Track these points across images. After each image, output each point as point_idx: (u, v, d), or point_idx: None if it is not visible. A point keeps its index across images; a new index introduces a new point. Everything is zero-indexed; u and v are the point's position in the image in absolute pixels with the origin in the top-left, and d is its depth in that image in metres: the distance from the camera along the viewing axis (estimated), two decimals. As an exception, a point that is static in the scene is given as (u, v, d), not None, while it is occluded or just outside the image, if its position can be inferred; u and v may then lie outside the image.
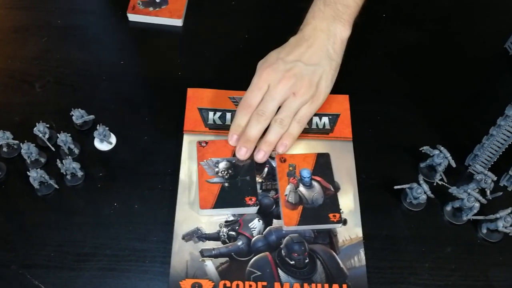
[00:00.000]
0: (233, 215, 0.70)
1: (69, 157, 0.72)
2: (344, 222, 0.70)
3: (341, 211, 0.70)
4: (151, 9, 0.89)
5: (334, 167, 0.74)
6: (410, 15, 0.93)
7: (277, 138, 0.73)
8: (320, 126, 0.78)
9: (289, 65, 0.73)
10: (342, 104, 0.80)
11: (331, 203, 0.71)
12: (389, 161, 0.76)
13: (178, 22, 0.89)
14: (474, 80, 0.86)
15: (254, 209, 0.70)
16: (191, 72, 0.84)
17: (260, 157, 0.72)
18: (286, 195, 0.71)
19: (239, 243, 0.68)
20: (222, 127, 0.77)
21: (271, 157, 0.75)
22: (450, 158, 0.72)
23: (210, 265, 0.66)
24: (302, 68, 0.73)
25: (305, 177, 0.72)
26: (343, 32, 0.76)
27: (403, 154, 0.77)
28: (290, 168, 0.73)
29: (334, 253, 0.68)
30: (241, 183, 0.71)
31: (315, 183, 0.72)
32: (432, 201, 0.72)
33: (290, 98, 0.72)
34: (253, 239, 0.68)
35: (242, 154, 0.72)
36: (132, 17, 0.89)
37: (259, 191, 0.72)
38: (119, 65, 0.85)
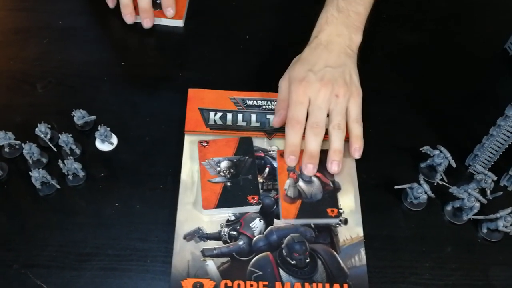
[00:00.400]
0: (235, 215, 0.70)
1: (71, 157, 0.72)
2: (345, 221, 0.70)
3: (340, 209, 0.71)
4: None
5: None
6: (411, 16, 0.94)
7: (341, 143, 0.73)
8: (321, 126, 0.78)
9: (320, 73, 0.74)
10: (343, 105, 0.80)
11: (329, 198, 0.71)
12: (389, 161, 0.76)
13: (179, 23, 0.89)
14: (474, 80, 0.86)
15: (256, 208, 0.70)
16: (192, 73, 0.84)
17: (335, 168, 0.72)
18: (285, 189, 0.72)
19: (240, 242, 0.68)
20: (223, 127, 0.77)
21: (271, 157, 0.75)
22: (450, 158, 0.72)
23: (211, 264, 0.66)
24: (333, 72, 0.74)
25: None
26: (357, 37, 0.78)
27: (403, 154, 0.77)
28: None
29: (335, 253, 0.68)
30: (243, 182, 0.71)
31: (314, 179, 0.73)
32: (433, 201, 0.72)
33: (334, 102, 0.73)
34: (254, 238, 0.69)
35: (310, 171, 0.72)
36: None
37: (260, 190, 0.72)
38: (120, 66, 0.85)
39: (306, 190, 0.71)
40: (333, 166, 0.72)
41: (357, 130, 0.74)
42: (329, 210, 0.70)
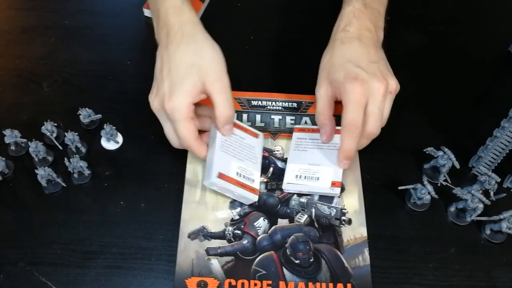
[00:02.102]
0: (239, 214, 0.70)
1: (76, 155, 0.73)
2: (349, 221, 0.70)
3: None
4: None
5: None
6: (415, 18, 0.94)
7: None
8: (325, 127, 0.78)
9: (370, 69, 0.69)
10: (347, 105, 0.80)
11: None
12: (393, 162, 0.76)
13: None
14: (479, 82, 0.86)
15: (255, 197, 0.71)
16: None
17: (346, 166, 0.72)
18: None
19: (245, 242, 0.69)
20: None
21: (275, 157, 0.76)
22: (454, 159, 0.72)
23: (215, 263, 0.67)
24: (379, 66, 0.70)
25: None
26: (381, 35, 0.75)
27: (407, 155, 0.77)
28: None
29: (338, 253, 0.68)
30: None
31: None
32: (436, 202, 0.72)
33: (389, 98, 0.70)
34: (258, 238, 0.69)
35: (347, 166, 0.72)
36: (147, 12, 0.90)
37: (264, 190, 0.73)
38: (126, 65, 0.86)
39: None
40: (346, 165, 0.71)
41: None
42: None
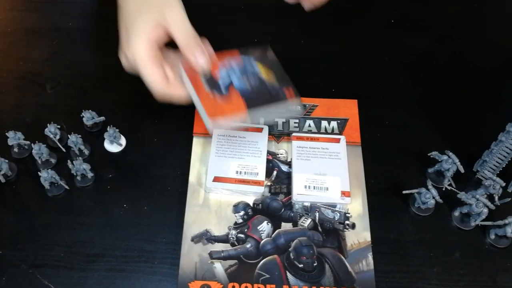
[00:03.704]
0: (242, 218, 0.70)
1: (80, 158, 0.72)
2: (353, 226, 0.70)
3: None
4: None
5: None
6: (419, 21, 0.94)
7: None
8: (329, 130, 0.78)
9: None
10: (351, 109, 0.80)
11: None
12: (397, 166, 0.76)
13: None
14: (483, 85, 0.86)
15: (260, 189, 0.71)
16: (201, 76, 0.84)
17: None
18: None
19: (248, 245, 0.68)
20: (232, 130, 0.77)
21: (279, 160, 0.75)
22: (458, 163, 0.72)
23: (219, 267, 0.66)
24: None
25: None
26: None
27: (411, 159, 0.77)
28: None
29: (342, 257, 0.68)
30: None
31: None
32: (440, 206, 0.72)
33: None
34: (262, 241, 0.69)
35: None
36: None
37: (267, 194, 0.72)
38: (129, 68, 0.85)
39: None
40: None
41: None
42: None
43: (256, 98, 0.64)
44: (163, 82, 0.63)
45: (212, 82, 0.65)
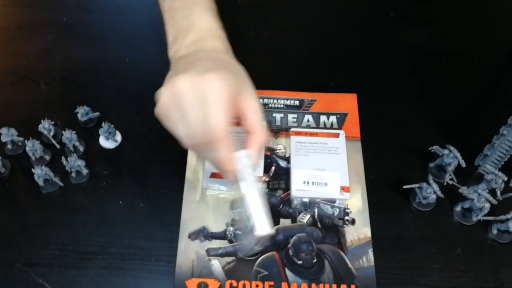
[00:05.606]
0: (240, 214, 0.69)
1: (74, 154, 0.71)
2: (353, 221, 0.69)
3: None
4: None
5: (342, 166, 0.73)
6: (420, 16, 0.93)
7: None
8: (328, 125, 0.77)
9: None
10: (350, 103, 0.79)
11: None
12: (397, 161, 0.75)
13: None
14: (484, 80, 0.85)
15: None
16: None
17: None
18: None
19: (246, 242, 0.67)
20: (229, 126, 0.76)
21: (277, 155, 0.74)
22: (460, 157, 0.71)
23: (216, 264, 0.65)
24: None
25: None
26: None
27: (411, 153, 0.76)
28: None
29: (342, 253, 0.67)
30: None
31: None
32: (442, 201, 0.71)
33: None
34: (260, 238, 0.68)
35: None
36: None
37: (266, 190, 0.71)
38: (124, 62, 0.84)
39: None
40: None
41: None
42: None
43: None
44: (227, 130, 0.53)
45: None
